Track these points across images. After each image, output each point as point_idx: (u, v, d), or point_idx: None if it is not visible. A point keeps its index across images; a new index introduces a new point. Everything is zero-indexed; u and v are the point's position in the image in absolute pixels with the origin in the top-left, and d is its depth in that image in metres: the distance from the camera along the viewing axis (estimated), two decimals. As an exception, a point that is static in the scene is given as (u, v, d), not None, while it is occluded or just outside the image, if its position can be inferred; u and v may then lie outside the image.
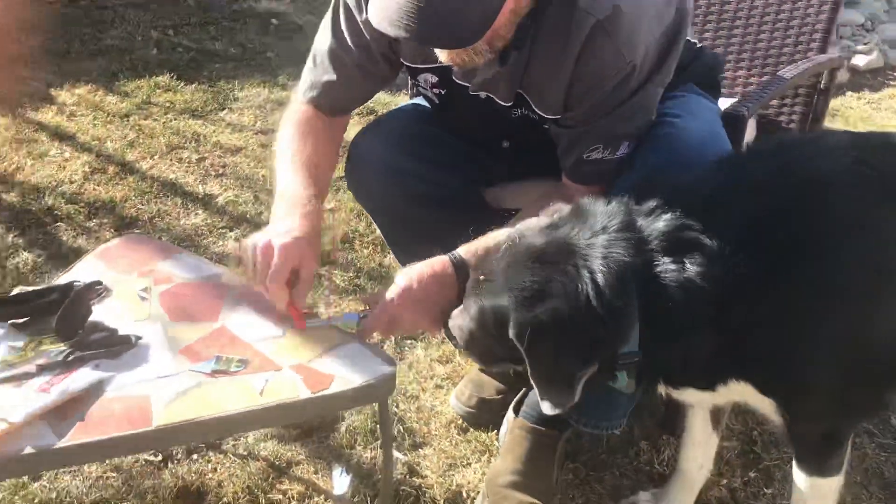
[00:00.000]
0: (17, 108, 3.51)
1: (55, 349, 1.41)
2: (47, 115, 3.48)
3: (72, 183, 2.97)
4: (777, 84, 1.91)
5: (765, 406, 1.39)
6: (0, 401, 1.28)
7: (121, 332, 1.46)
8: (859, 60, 4.38)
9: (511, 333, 1.26)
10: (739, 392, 1.38)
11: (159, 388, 1.35)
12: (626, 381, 1.32)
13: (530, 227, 1.35)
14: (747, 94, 1.95)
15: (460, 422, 2.01)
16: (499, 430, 1.94)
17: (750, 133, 2.10)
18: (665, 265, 1.22)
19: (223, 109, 3.62)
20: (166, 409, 1.31)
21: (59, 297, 1.50)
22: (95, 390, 1.33)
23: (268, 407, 1.34)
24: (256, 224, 2.77)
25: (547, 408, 1.29)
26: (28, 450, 1.23)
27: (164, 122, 3.46)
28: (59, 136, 3.31)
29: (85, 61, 4.06)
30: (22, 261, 2.54)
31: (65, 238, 2.68)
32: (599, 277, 1.21)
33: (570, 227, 1.29)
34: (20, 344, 1.42)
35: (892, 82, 4.27)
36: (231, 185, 3.03)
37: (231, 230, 2.77)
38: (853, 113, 3.85)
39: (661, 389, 1.42)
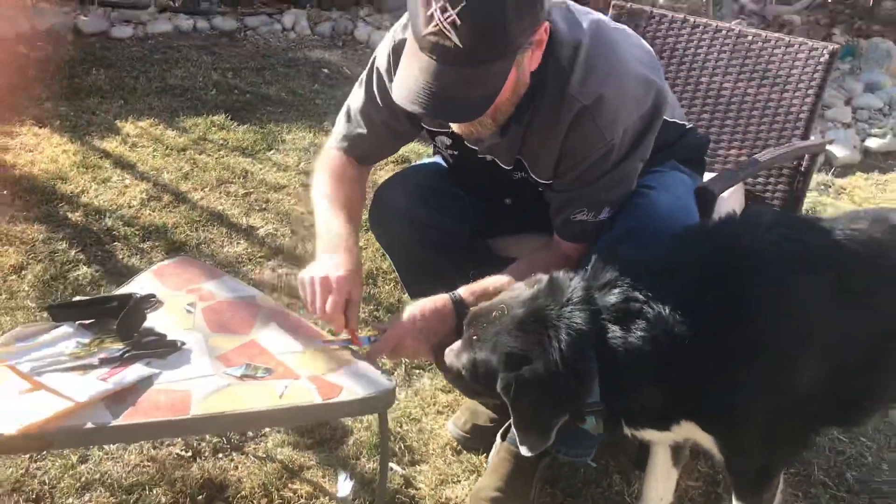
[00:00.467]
0: (84, 136, 3.88)
1: (115, 347, 1.69)
2: (112, 144, 3.83)
3: (130, 207, 3.29)
4: (752, 166, 2.16)
5: (709, 443, 1.63)
6: (68, 384, 1.56)
7: (169, 338, 1.74)
8: (872, 143, 4.58)
9: (498, 388, 1.54)
10: (689, 430, 1.62)
11: (198, 386, 1.62)
12: (594, 423, 1.58)
13: (515, 298, 1.62)
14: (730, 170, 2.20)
15: (455, 444, 2.25)
16: (488, 454, 2.18)
17: (738, 206, 2.36)
18: (614, 332, 1.49)
19: (271, 150, 3.94)
20: (203, 402, 1.57)
21: (119, 305, 1.79)
22: (145, 383, 1.61)
23: (285, 408, 1.60)
24: (292, 256, 3.07)
25: (525, 451, 1.58)
26: (89, 425, 1.50)
27: (216, 158, 3.79)
28: (122, 164, 3.65)
29: (149, 97, 4.42)
30: (81, 274, 2.85)
31: (120, 256, 2.99)
32: (564, 345, 1.49)
33: (544, 299, 1.57)
34: (86, 341, 1.71)
35: (902, 165, 4.48)
36: (272, 219, 3.34)
37: (268, 260, 3.06)
38: (860, 192, 4.06)
39: (626, 430, 1.67)
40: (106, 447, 2.11)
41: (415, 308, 1.81)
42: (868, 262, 1.52)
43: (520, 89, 1.68)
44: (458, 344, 1.71)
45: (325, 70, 5.16)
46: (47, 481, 2.02)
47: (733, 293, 1.46)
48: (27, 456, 2.05)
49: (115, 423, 1.51)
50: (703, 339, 1.45)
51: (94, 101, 4.32)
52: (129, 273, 2.86)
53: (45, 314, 2.55)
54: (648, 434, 1.69)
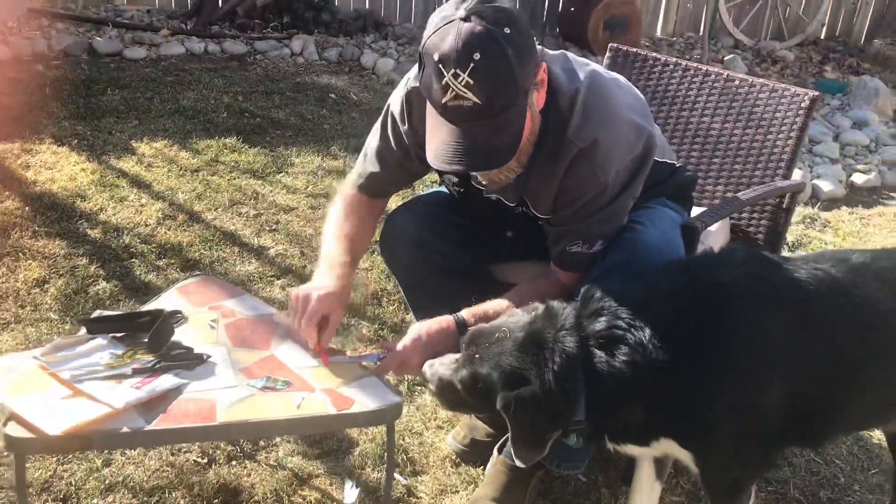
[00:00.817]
0: (101, 156, 4.04)
1: (146, 358, 1.84)
2: (128, 164, 3.99)
3: (146, 226, 3.45)
4: (734, 203, 2.33)
5: (687, 458, 1.78)
6: (105, 392, 1.71)
7: (195, 351, 1.89)
8: (858, 178, 4.77)
9: (498, 405, 1.69)
10: (667, 446, 1.78)
11: (223, 395, 1.77)
12: (575, 439, 1.77)
13: (516, 323, 1.78)
14: (713, 207, 2.37)
15: (454, 457, 2.39)
16: (485, 467, 2.32)
17: (724, 239, 2.52)
18: (599, 357, 1.66)
19: (280, 172, 4.11)
20: (228, 411, 1.73)
21: (150, 320, 1.94)
22: (175, 392, 1.76)
23: (302, 417, 1.75)
24: (300, 275, 3.22)
25: (519, 463, 1.74)
26: (125, 429, 1.65)
27: (228, 179, 3.96)
28: (138, 183, 3.82)
29: (163, 118, 4.60)
30: (101, 289, 3.01)
31: (138, 273, 3.14)
32: (557, 367, 1.66)
33: (541, 324, 1.73)
34: (120, 352, 1.87)
35: (884, 201, 4.64)
36: (282, 239, 3.49)
37: (278, 279, 3.21)
38: (844, 226, 4.23)
39: (609, 445, 1.82)
40: (128, 453, 2.26)
41: (420, 328, 1.97)
42: (828, 299, 1.68)
43: (535, 128, 1.85)
44: (449, 358, 1.86)
45: (333, 95, 5.34)
46: (73, 483, 2.16)
47: (705, 323, 1.63)
48: (55, 458, 2.20)
49: (148, 427, 1.66)
50: (678, 364, 1.61)
51: (110, 120, 4.49)
52: (146, 289, 3.03)
53: (68, 326, 2.73)
54: (630, 449, 1.84)
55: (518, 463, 1.75)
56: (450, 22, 1.69)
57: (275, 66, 5.81)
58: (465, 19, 1.68)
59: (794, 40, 7.71)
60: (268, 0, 6.43)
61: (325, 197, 3.87)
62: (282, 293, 3.10)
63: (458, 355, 1.84)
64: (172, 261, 3.24)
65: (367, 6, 6.99)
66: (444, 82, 1.67)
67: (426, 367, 1.88)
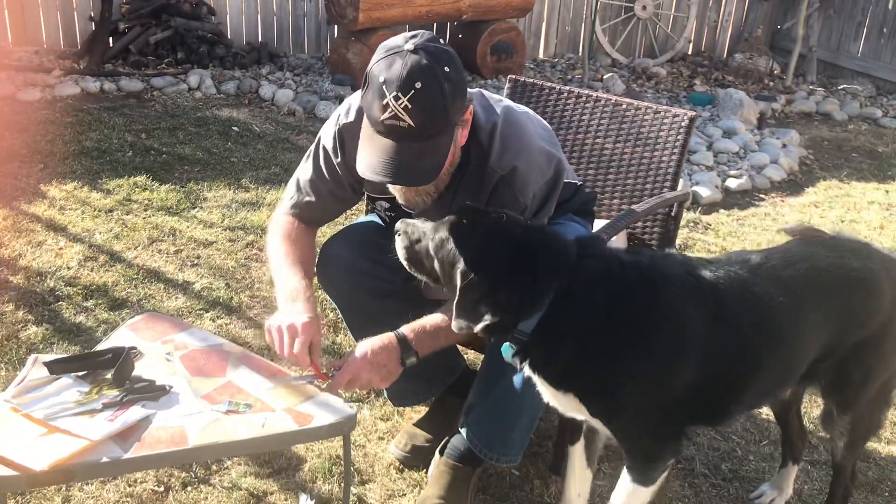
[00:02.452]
0: (11, 202, 4.04)
1: (112, 393, 1.96)
2: (40, 208, 4.01)
3: (69, 269, 3.50)
4: (630, 215, 2.63)
5: (599, 425, 2.02)
6: (80, 426, 1.83)
7: (157, 383, 2.02)
8: (731, 183, 5.23)
9: (457, 273, 1.82)
10: (574, 404, 1.98)
11: (190, 421, 1.91)
12: (510, 353, 1.93)
13: (518, 223, 1.92)
14: (612, 220, 2.66)
15: (397, 464, 2.58)
16: (427, 470, 2.52)
17: (622, 246, 2.81)
18: (578, 289, 1.84)
19: (195, 208, 4.20)
20: (198, 435, 1.87)
21: (111, 358, 2.06)
22: (145, 422, 1.89)
23: (269, 435, 1.91)
24: (229, 307, 3.35)
25: (455, 325, 1.86)
26: (104, 459, 1.77)
27: (143, 218, 4.02)
28: (53, 227, 3.84)
29: (69, 160, 4.60)
30: (32, 333, 3.05)
31: (66, 315, 3.19)
32: (539, 274, 1.81)
33: (544, 237, 1.89)
34: (86, 389, 1.97)
35: (756, 202, 5.12)
36: (205, 273, 3.60)
37: (207, 312, 3.32)
38: (723, 227, 4.66)
39: (528, 372, 1.98)
40: (85, 487, 2.34)
41: (365, 345, 2.16)
42: (737, 296, 1.96)
43: (455, 161, 2.08)
44: (425, 224, 1.96)
45: (235, 128, 5.43)
46: (34, 521, 2.24)
47: (641, 304, 1.88)
48: (9, 495, 2.27)
49: (126, 456, 1.79)
50: (614, 330, 1.85)
51: (14, 165, 4.47)
52: (78, 330, 3.09)
53: (3, 372, 2.77)
54: (541, 385, 2.02)
55: (454, 326, 1.86)
56: (398, 52, 1.92)
57: (173, 101, 5.85)
58: (413, 52, 1.91)
59: (665, 57, 8.29)
60: (161, 36, 6.46)
61: (242, 229, 4.00)
62: (212, 325, 3.21)
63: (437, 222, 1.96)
64: (100, 301, 3.30)
65: (261, 38, 7.11)
66: (385, 102, 1.89)
67: (399, 224, 2.00)
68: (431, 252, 1.93)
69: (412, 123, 1.90)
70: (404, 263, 2.01)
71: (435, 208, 2.21)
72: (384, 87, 1.89)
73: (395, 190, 2.13)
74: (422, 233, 1.96)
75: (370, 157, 1.97)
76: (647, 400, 1.91)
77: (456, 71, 1.95)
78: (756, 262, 2.03)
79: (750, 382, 2.05)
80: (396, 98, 1.88)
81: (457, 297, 1.85)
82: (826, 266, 2.06)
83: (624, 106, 2.98)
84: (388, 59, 1.92)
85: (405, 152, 1.94)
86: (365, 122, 2.00)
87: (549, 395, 2.04)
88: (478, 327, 1.84)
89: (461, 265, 1.85)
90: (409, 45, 1.92)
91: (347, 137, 2.21)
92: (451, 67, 1.93)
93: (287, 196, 2.41)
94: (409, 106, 1.88)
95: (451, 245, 1.88)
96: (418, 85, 1.88)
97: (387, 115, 1.90)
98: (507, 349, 1.94)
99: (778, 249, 2.15)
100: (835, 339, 2.06)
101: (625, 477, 2.03)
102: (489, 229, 1.89)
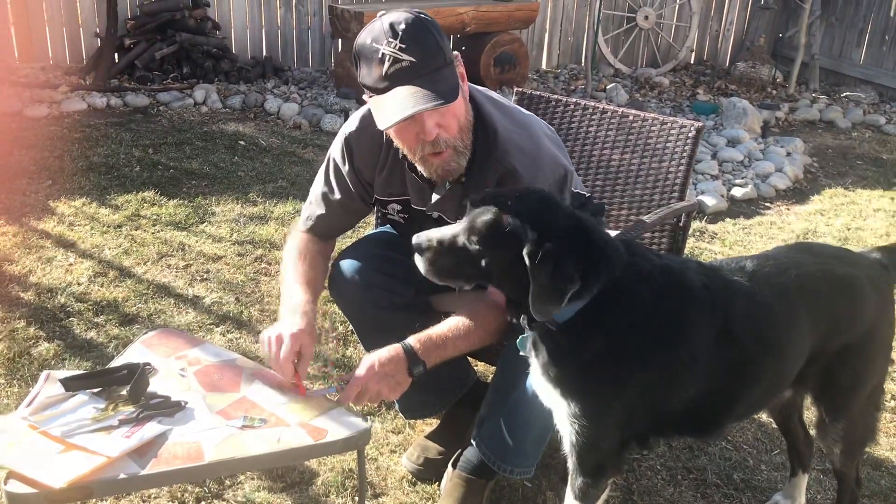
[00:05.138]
0: (20, 218, 4.06)
1: (128, 409, 1.97)
2: (49, 225, 4.03)
3: (79, 285, 3.51)
4: (639, 226, 2.64)
5: (564, 434, 1.98)
6: (98, 443, 1.84)
7: (172, 399, 2.03)
8: (737, 192, 5.24)
9: (525, 251, 1.72)
10: (555, 400, 1.95)
11: (206, 437, 1.92)
12: (528, 344, 1.93)
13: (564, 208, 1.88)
14: (622, 231, 2.67)
15: (410, 477, 2.59)
16: (440, 482, 2.53)
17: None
18: (620, 281, 1.81)
19: (203, 222, 4.22)
20: (214, 450, 1.88)
21: (126, 374, 2.07)
22: (161, 438, 1.90)
23: (285, 450, 1.92)
24: (239, 321, 3.36)
25: (538, 316, 1.79)
26: (122, 476, 1.78)
27: (152, 233, 4.04)
28: (62, 243, 3.86)
29: (77, 176, 4.63)
30: (44, 349, 3.06)
31: (77, 331, 3.21)
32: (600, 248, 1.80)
33: (594, 225, 1.86)
34: (102, 406, 1.99)
35: (762, 211, 5.13)
36: (215, 288, 3.62)
37: (217, 326, 3.33)
38: (729, 236, 4.67)
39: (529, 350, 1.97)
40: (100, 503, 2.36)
41: (373, 357, 2.16)
42: (741, 306, 1.94)
43: (468, 114, 2.13)
44: (446, 228, 1.89)
45: (242, 142, 5.46)
46: (50, 538, 2.24)
47: (675, 311, 1.87)
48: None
49: (143, 472, 1.80)
50: (635, 335, 1.85)
51: (23, 182, 4.50)
52: (89, 346, 3.11)
53: (17, 389, 2.79)
54: (533, 369, 2.00)
55: (537, 317, 1.80)
56: (372, 22, 2.03)
57: (180, 116, 5.89)
58: (385, 13, 2.03)
59: (668, 66, 8.31)
60: (166, 51, 6.50)
61: (250, 243, 4.01)
62: (223, 339, 3.23)
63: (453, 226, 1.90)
64: (110, 317, 3.32)
65: (265, 53, 7.15)
66: (380, 54, 1.97)
67: (415, 238, 1.94)
68: (476, 245, 1.81)
69: (412, 59, 1.97)
70: (431, 276, 1.96)
71: (451, 201, 2.22)
72: (373, 44, 1.99)
73: (421, 134, 2.06)
74: (451, 235, 1.86)
75: (388, 109, 2.00)
76: (641, 409, 1.92)
77: (434, 24, 2.04)
78: (751, 270, 2.04)
79: (746, 394, 2.06)
80: (389, 43, 1.97)
81: (533, 280, 1.73)
82: (814, 272, 2.07)
83: (630, 117, 3.00)
84: (367, 28, 2.03)
85: (418, 88, 1.98)
86: (373, 98, 2.05)
87: (536, 383, 2.01)
88: (564, 301, 1.74)
89: (528, 243, 1.72)
90: (381, 13, 2.04)
91: (354, 144, 2.29)
92: (424, 14, 2.03)
93: (303, 212, 2.44)
94: (403, 45, 1.97)
95: (507, 223, 1.76)
96: (402, 26, 1.98)
97: (387, 63, 1.97)
98: (522, 342, 1.93)
99: (767, 256, 2.15)
100: (820, 344, 2.07)
101: (568, 496, 2.04)
102: (544, 200, 1.83)
